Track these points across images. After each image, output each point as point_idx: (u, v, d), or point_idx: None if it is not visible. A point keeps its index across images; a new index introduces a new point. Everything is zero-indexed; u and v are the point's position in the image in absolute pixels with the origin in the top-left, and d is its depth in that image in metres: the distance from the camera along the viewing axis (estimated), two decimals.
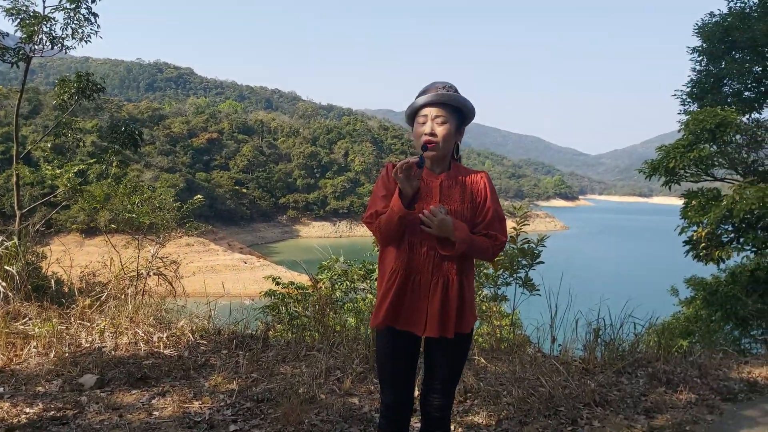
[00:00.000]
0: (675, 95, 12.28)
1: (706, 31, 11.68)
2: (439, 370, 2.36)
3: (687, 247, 10.31)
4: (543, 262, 5.07)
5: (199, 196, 6.21)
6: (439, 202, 2.25)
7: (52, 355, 4.03)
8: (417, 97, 2.32)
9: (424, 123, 2.26)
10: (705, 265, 10.21)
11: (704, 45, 11.87)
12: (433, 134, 2.23)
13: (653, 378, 4.12)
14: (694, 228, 9.99)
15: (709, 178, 10.38)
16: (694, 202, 9.72)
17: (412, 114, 2.32)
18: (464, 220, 2.25)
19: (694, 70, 12.16)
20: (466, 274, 2.30)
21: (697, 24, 11.98)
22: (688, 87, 12.17)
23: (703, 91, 11.85)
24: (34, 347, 4.10)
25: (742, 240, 9.84)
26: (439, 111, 2.24)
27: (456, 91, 2.29)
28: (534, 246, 5.02)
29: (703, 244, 9.82)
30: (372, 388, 3.70)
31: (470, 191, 2.30)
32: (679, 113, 11.95)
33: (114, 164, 9.12)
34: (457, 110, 2.28)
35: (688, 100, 12.15)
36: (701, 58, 12.02)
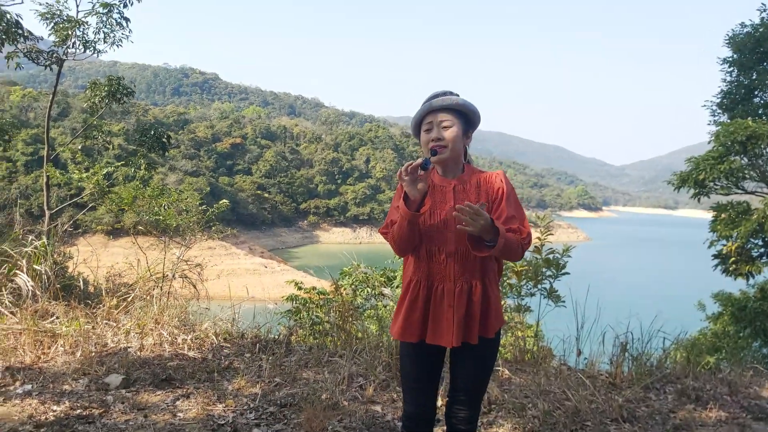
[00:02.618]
0: (705, 105, 12.12)
1: (737, 42, 11.51)
2: (463, 380, 2.29)
3: (715, 261, 10.11)
4: (568, 273, 5.00)
5: (225, 200, 6.27)
6: (453, 206, 2.19)
7: (78, 354, 4.08)
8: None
9: (429, 130, 2.23)
10: (734, 280, 9.98)
11: (735, 56, 11.69)
12: (440, 138, 2.20)
13: (682, 394, 4.02)
14: (724, 242, 9.78)
15: (739, 191, 10.17)
16: (723, 216, 9.54)
17: (417, 125, 2.30)
18: None
19: (724, 80, 11.98)
20: (489, 276, 2.24)
21: (728, 35, 11.82)
22: (718, 98, 11.99)
23: (734, 102, 11.66)
24: (62, 346, 4.16)
25: None
26: (443, 116, 2.21)
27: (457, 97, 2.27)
28: (559, 256, 4.95)
29: (733, 259, 9.61)
30: (395, 396, 3.68)
31: (485, 191, 2.24)
32: (708, 124, 11.80)
33: (142, 167, 9.26)
34: (462, 115, 2.25)
35: (718, 111, 11.97)
36: (732, 68, 11.84)
